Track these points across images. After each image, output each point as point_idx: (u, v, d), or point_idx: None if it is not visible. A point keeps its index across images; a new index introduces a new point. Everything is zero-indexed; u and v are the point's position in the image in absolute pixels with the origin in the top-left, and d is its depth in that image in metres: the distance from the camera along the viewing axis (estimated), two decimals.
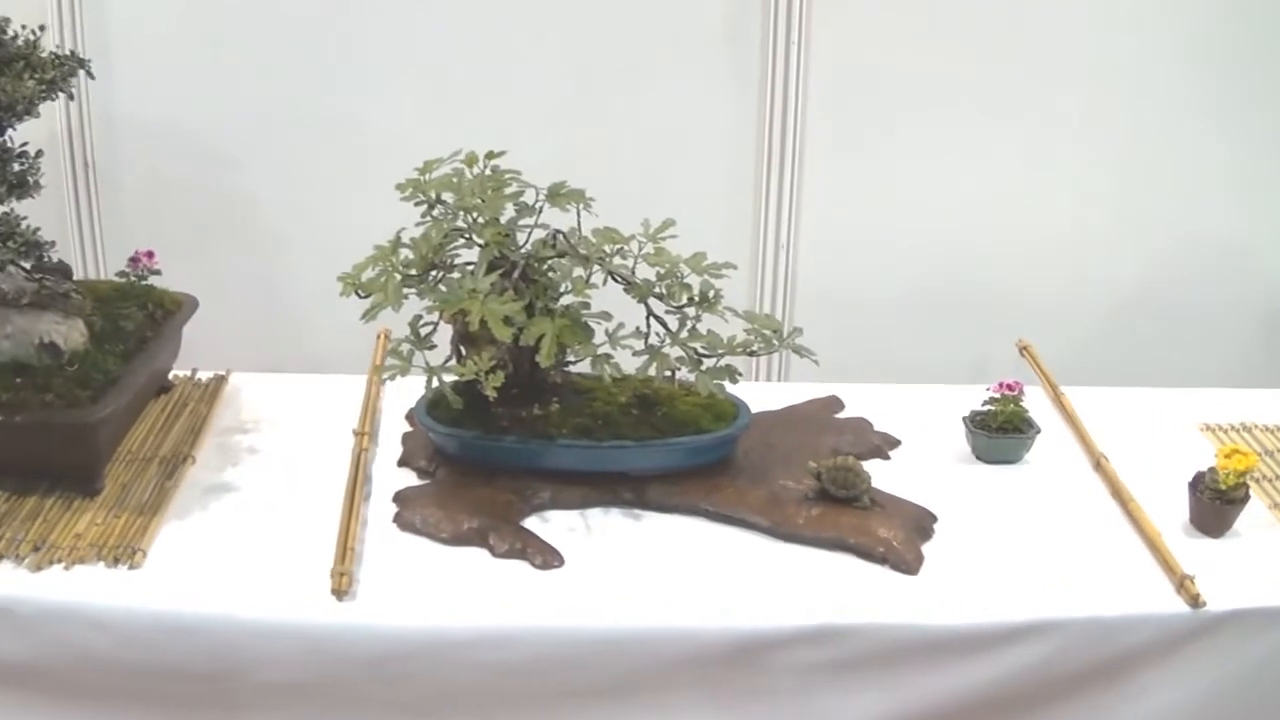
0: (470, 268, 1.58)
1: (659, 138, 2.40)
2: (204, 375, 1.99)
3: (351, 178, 2.35)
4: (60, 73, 1.68)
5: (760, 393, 1.87)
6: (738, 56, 2.35)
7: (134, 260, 1.87)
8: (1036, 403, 1.87)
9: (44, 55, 1.67)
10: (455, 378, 1.60)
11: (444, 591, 1.48)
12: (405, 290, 1.56)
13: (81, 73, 1.73)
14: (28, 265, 1.68)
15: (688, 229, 1.66)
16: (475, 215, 1.61)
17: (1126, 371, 2.35)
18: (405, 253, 1.60)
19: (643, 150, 2.40)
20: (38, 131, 1.74)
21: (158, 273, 1.88)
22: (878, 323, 2.52)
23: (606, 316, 1.61)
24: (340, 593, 1.44)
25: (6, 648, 1.43)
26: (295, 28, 2.31)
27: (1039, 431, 1.80)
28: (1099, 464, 1.77)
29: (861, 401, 1.93)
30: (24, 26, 1.67)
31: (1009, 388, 1.80)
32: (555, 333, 1.55)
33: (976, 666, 1.45)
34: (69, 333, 1.67)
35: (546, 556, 1.53)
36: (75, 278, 1.77)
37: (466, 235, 1.62)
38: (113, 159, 2.35)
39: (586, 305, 1.61)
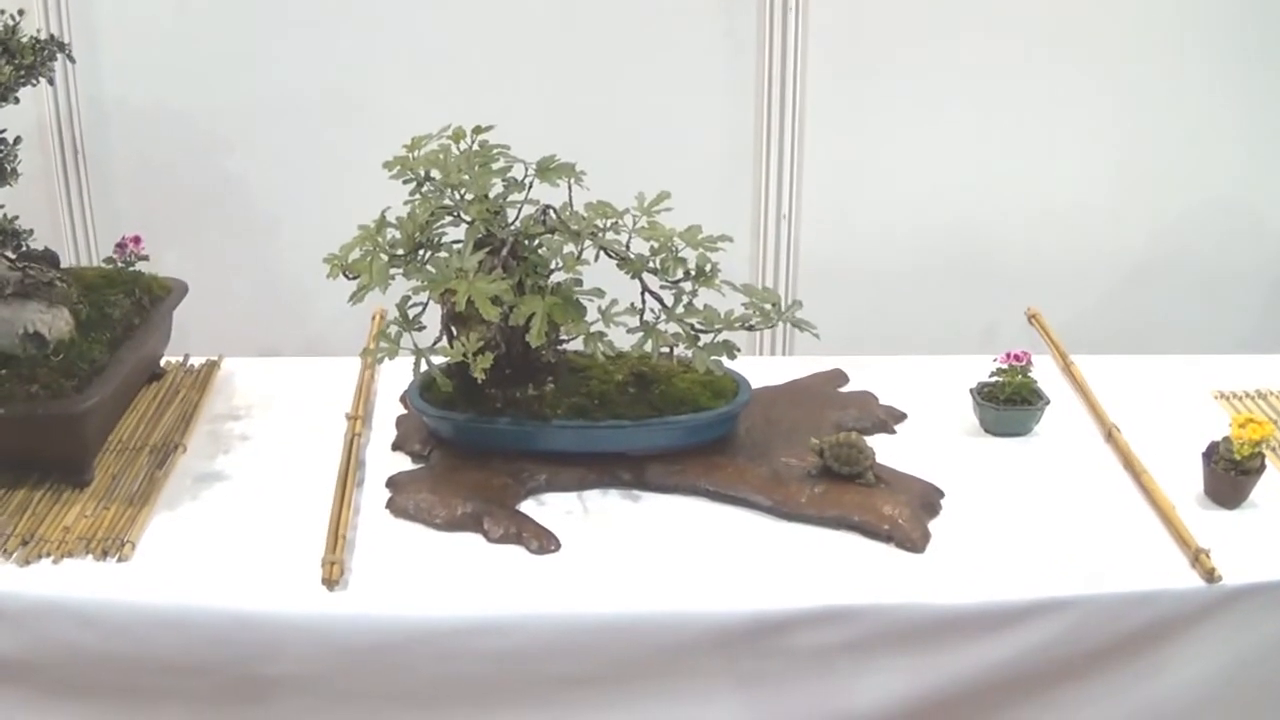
0: (458, 246, 1.55)
1: (653, 107, 2.36)
2: (196, 361, 1.96)
3: (344, 159, 2.32)
4: (40, 58, 1.65)
5: (761, 367, 1.85)
6: (735, 18, 2.30)
7: (121, 246, 1.85)
8: (1046, 373, 1.84)
9: (23, 40, 1.64)
10: (444, 359, 1.57)
11: (438, 579, 1.45)
12: (392, 270, 1.53)
13: (67, 59, 1.70)
14: (11, 254, 1.65)
15: (684, 201, 1.63)
16: (462, 192, 1.57)
17: (1138, 339, 2.32)
18: (393, 232, 1.57)
19: (636, 121, 2.36)
20: (25, 118, 1.72)
21: (145, 258, 1.85)
22: (882, 293, 2.48)
23: (599, 293, 1.57)
24: (331, 582, 1.42)
25: None
26: (284, 8, 2.27)
27: (1048, 402, 1.76)
28: (1110, 435, 1.74)
29: (866, 374, 1.90)
30: (2, 11, 1.64)
31: (1017, 358, 1.76)
32: (546, 311, 1.51)
33: (986, 647, 1.42)
34: (54, 322, 1.64)
35: (543, 540, 1.50)
36: (65, 265, 1.74)
37: (454, 212, 1.58)
38: (102, 145, 2.34)
39: (579, 282, 1.58)
